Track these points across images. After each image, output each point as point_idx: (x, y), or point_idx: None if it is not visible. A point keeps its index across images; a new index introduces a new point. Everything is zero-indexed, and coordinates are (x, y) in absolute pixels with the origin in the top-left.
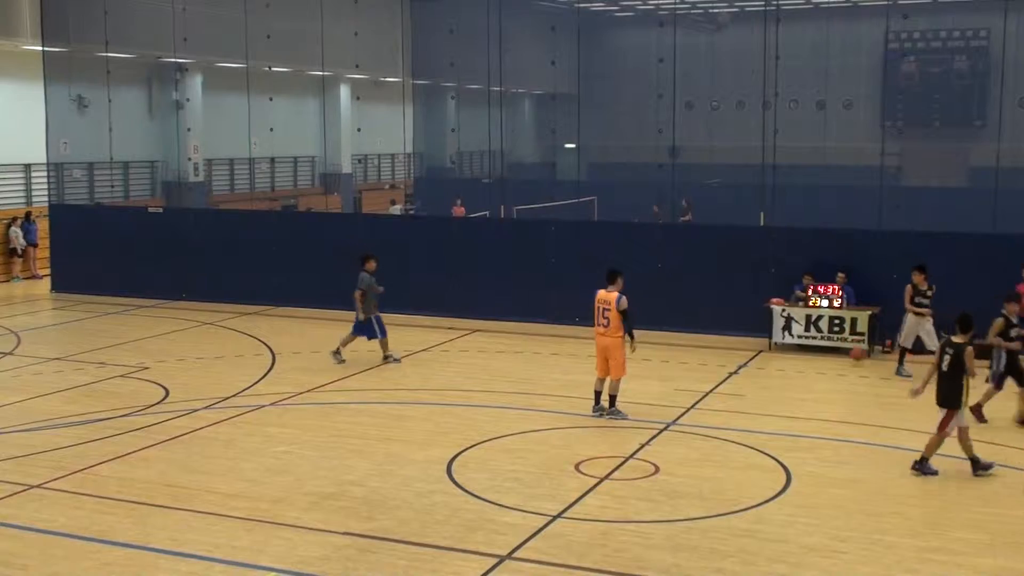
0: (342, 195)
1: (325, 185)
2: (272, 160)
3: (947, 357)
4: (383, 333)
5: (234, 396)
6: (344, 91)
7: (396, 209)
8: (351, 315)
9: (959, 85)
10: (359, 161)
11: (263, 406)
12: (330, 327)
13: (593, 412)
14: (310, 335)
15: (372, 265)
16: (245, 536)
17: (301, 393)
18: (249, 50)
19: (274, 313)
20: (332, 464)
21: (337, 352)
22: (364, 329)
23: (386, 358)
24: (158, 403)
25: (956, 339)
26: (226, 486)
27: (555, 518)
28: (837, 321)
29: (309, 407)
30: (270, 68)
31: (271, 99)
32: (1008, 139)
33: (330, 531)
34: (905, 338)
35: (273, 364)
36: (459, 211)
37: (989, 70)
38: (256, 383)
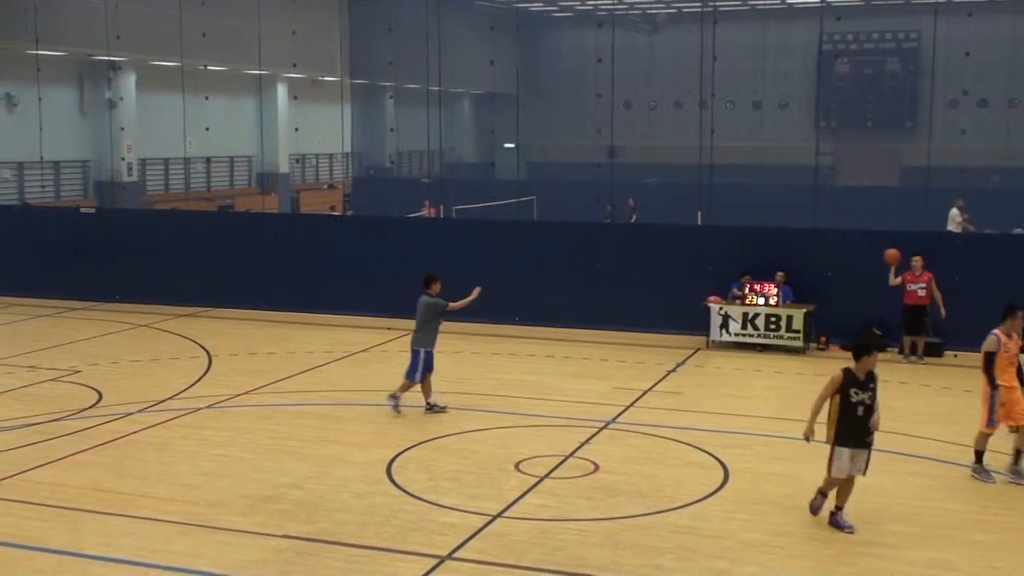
0: (279, 195)
1: (262, 185)
2: (208, 160)
3: None
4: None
5: (169, 399)
6: (281, 90)
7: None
8: (291, 316)
9: (891, 86)
10: (297, 161)
11: (199, 409)
12: (268, 328)
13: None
14: (247, 337)
15: (437, 287)
16: (181, 541)
17: (238, 395)
18: (184, 48)
19: (210, 315)
20: (270, 467)
21: (429, 406)
22: (412, 366)
23: (431, 406)
24: (91, 407)
25: None
26: (161, 490)
27: (495, 518)
28: (773, 319)
29: (246, 409)
30: (206, 66)
31: (207, 98)
32: (938, 139)
33: (268, 534)
34: None
35: (209, 366)
36: (430, 211)
37: (920, 71)
38: (192, 386)
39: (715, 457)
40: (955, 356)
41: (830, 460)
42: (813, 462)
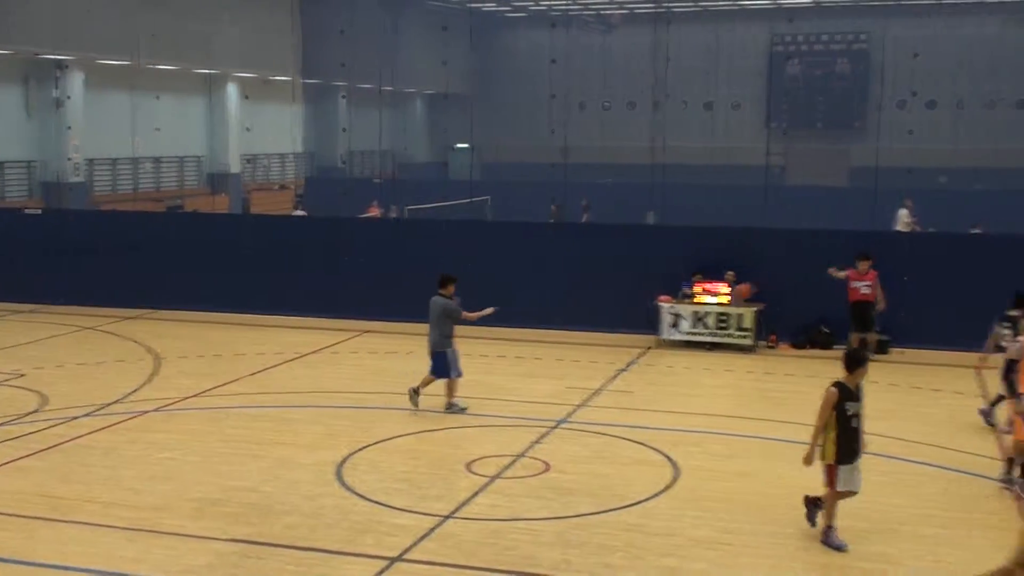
0: (230, 195)
1: (212, 185)
2: (157, 160)
3: None
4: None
5: (115, 403)
6: (232, 90)
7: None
8: (241, 318)
9: (840, 87)
10: (248, 161)
11: (146, 412)
12: (217, 330)
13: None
14: (196, 339)
15: (452, 288)
16: (127, 546)
17: (187, 398)
18: (134, 47)
19: (158, 316)
20: (218, 470)
21: (449, 405)
22: (442, 367)
23: (451, 406)
24: (35, 411)
25: None
26: (107, 495)
27: (446, 518)
28: (723, 317)
29: (195, 412)
30: (155, 65)
31: (157, 97)
32: (886, 140)
33: (215, 538)
34: None
35: (157, 369)
36: (374, 211)
37: (869, 73)
38: (139, 389)
39: (665, 455)
40: (901, 353)
41: (832, 479)
42: (763, 459)
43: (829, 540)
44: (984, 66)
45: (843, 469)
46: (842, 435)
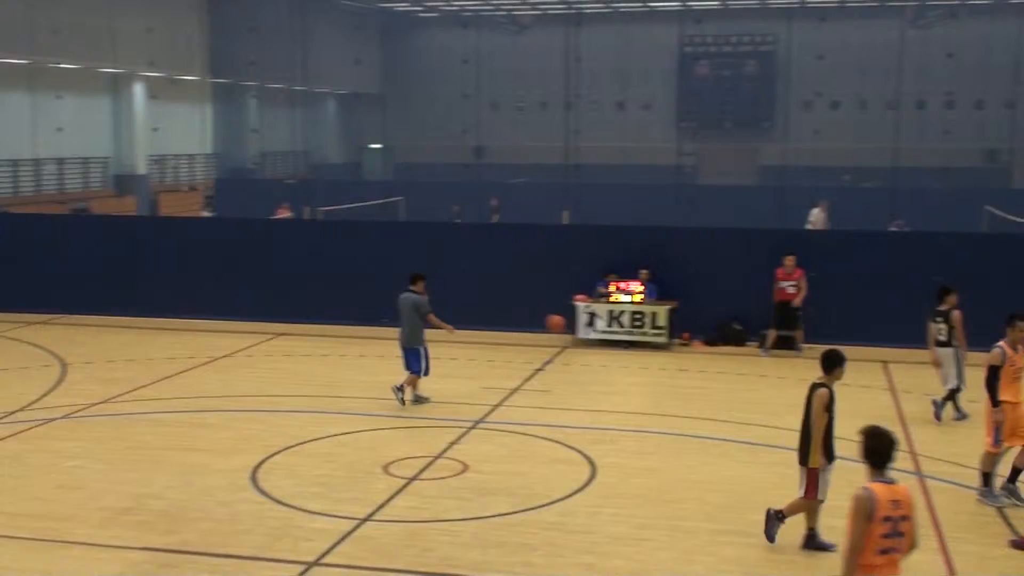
0: (138, 197)
1: (119, 187)
2: (61, 161)
3: None
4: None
5: (20, 410)
6: (138, 89)
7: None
8: (151, 322)
9: (748, 88)
10: (156, 162)
11: (53, 420)
12: (126, 334)
13: None
14: (104, 344)
15: (422, 285)
16: (34, 557)
17: (94, 404)
18: (34, 45)
19: (64, 322)
20: (128, 477)
21: (416, 398)
22: (415, 363)
23: (418, 398)
24: None
25: None
26: (12, 505)
27: (363, 521)
28: (638, 316)
29: (103, 419)
30: (57, 64)
31: (59, 97)
32: (793, 139)
33: (126, 547)
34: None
35: (64, 375)
36: (284, 213)
37: (776, 74)
38: (45, 396)
39: (582, 453)
40: (810, 348)
41: (811, 484)
42: (679, 456)
43: (815, 543)
44: (885, 68)
45: (826, 470)
46: (827, 438)
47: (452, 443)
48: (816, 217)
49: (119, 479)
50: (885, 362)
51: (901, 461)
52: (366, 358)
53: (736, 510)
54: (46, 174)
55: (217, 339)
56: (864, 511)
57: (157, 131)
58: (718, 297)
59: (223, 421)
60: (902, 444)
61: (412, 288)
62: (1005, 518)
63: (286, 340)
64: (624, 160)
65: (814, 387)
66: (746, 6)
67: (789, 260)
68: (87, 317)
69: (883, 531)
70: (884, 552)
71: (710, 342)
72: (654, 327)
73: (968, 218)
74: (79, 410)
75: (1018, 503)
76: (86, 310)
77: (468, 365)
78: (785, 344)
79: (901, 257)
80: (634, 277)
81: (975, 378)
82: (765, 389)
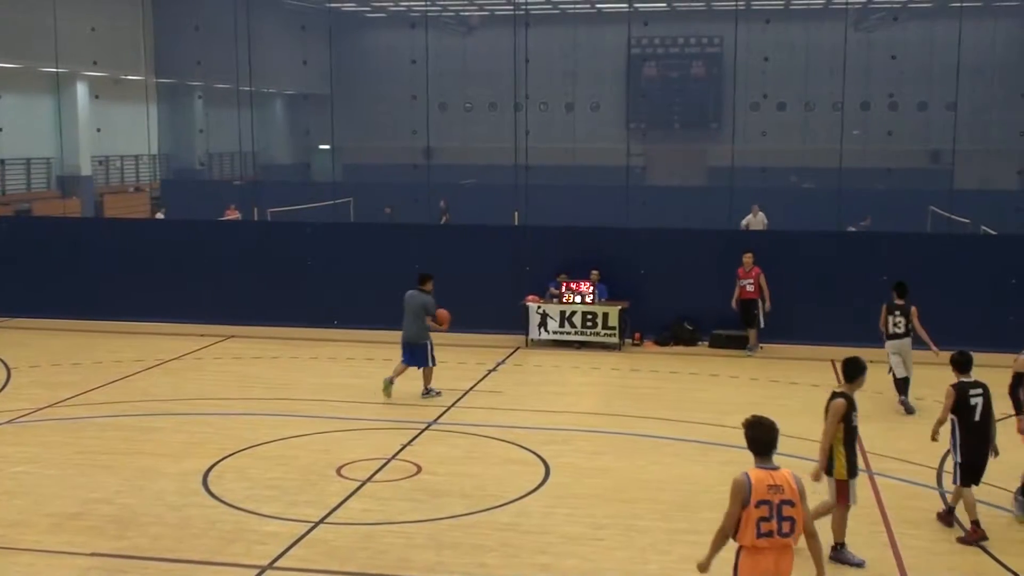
0: (82, 198)
1: (63, 188)
2: (2, 162)
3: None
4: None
5: None
6: (81, 89)
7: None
8: (99, 325)
9: (696, 89)
10: (100, 163)
11: None
12: (72, 337)
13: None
14: (49, 347)
15: (430, 285)
16: None
17: (41, 409)
18: None
19: (8, 325)
20: (77, 482)
21: (429, 391)
22: (423, 357)
23: (428, 391)
24: None
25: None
26: None
27: (317, 524)
28: (590, 316)
29: (50, 423)
30: None
31: None
32: (741, 141)
33: (75, 552)
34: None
35: (8, 379)
36: (231, 214)
37: (723, 76)
38: None
39: (536, 454)
40: (761, 348)
41: (841, 494)
42: (631, 456)
43: (843, 557)
44: (830, 69)
45: (852, 483)
46: (849, 447)
47: (405, 445)
48: (750, 221)
49: (67, 484)
50: (834, 360)
51: None
52: (317, 360)
53: (689, 509)
54: None
55: (166, 342)
56: (739, 495)
57: (100, 131)
58: (669, 297)
59: (173, 424)
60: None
61: (421, 287)
62: (953, 514)
63: (236, 343)
64: (574, 161)
65: (833, 397)
66: (692, 8)
67: (747, 258)
68: (32, 320)
69: (760, 515)
70: (765, 535)
71: (661, 342)
72: (606, 327)
73: (912, 218)
74: (25, 415)
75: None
76: (31, 313)
77: None
78: (738, 343)
79: (848, 257)
80: (585, 278)
81: (924, 376)
82: (716, 388)
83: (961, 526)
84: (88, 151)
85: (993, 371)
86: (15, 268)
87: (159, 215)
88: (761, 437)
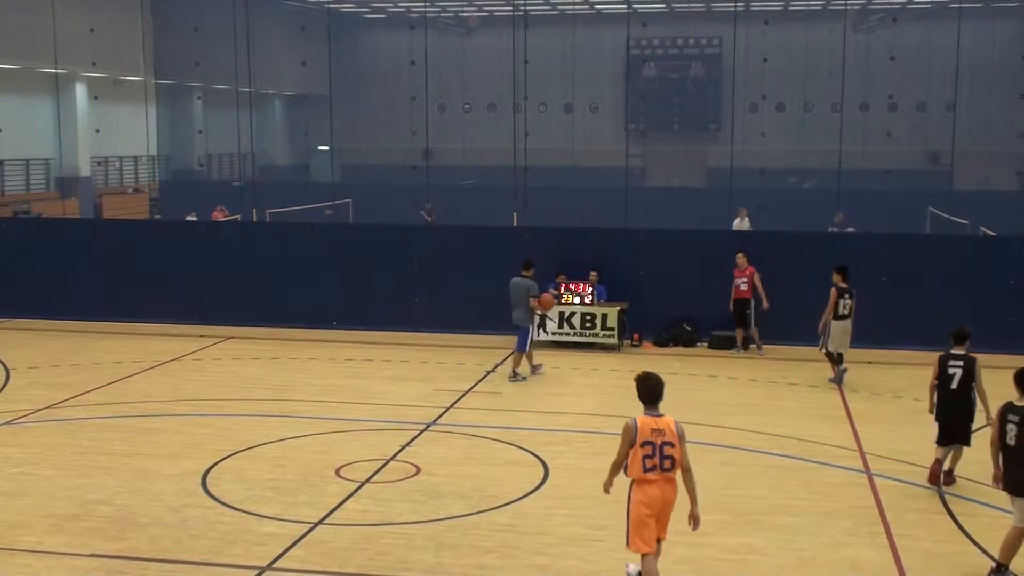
0: (81, 199)
1: (62, 189)
2: (1, 163)
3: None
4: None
5: None
6: (80, 90)
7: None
8: (97, 326)
9: (695, 90)
10: (99, 164)
11: None
12: (71, 339)
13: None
14: (48, 348)
15: (532, 271)
16: None
17: (40, 410)
18: None
19: (6, 326)
20: (76, 483)
21: (514, 374)
22: (523, 340)
23: (515, 374)
24: None
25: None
26: None
27: (316, 525)
28: (589, 317)
29: (49, 424)
30: None
31: None
32: (740, 142)
33: (75, 554)
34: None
35: (7, 380)
36: (219, 215)
37: (722, 77)
38: None
39: (535, 455)
40: (759, 349)
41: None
42: None
43: None
44: (829, 70)
45: (1018, 501)
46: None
47: (404, 446)
48: (738, 225)
49: (66, 485)
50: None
51: (849, 459)
52: (316, 361)
53: (687, 509)
54: None
55: (164, 343)
56: (627, 436)
57: (99, 132)
58: (668, 298)
59: (171, 425)
60: (851, 443)
61: (524, 274)
62: (952, 515)
63: (235, 343)
64: (573, 162)
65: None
66: (691, 9)
67: (740, 258)
68: (31, 321)
69: (645, 453)
70: (651, 470)
71: (660, 343)
72: (604, 328)
73: (912, 219)
74: (24, 416)
75: None
76: (30, 314)
77: (420, 367)
78: (729, 344)
79: (847, 258)
80: (584, 279)
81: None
82: (715, 389)
83: (959, 525)
84: (87, 152)
85: (993, 371)
86: (14, 269)
87: (189, 218)
88: (650, 389)
